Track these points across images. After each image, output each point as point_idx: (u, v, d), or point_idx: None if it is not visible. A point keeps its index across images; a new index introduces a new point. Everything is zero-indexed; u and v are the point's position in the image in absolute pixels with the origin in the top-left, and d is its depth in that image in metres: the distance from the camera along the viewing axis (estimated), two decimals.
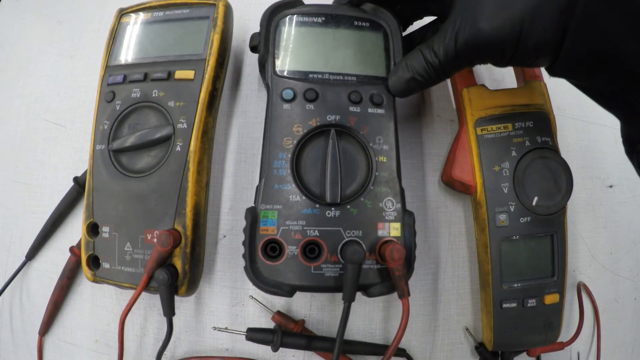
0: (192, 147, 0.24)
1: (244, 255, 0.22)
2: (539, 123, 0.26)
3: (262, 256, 0.21)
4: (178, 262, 0.23)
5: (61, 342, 0.30)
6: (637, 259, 0.27)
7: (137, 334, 0.28)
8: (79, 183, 0.29)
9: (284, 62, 0.24)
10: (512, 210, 0.25)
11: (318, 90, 0.23)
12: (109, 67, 0.27)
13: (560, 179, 0.25)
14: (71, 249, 0.28)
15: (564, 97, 0.28)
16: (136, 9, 0.28)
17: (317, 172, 0.23)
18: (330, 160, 0.22)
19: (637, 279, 0.26)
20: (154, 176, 0.24)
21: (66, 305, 0.30)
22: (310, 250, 0.22)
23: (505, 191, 0.25)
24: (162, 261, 0.23)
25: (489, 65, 0.30)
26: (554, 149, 0.25)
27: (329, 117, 0.23)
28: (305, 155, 0.23)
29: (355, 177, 0.23)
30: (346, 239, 0.22)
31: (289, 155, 0.23)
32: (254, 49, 0.26)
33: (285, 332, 0.24)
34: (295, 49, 0.25)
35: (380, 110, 0.23)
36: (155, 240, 0.23)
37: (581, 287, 0.29)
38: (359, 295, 0.21)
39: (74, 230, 0.30)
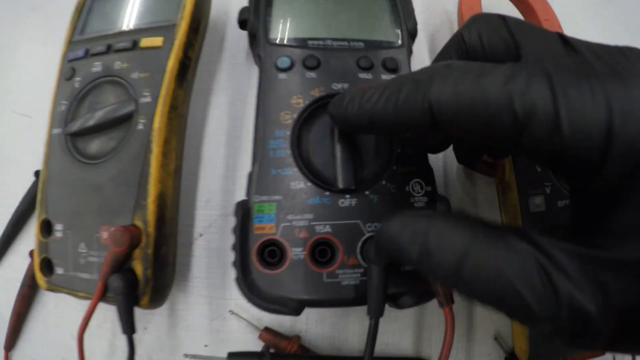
0: (156, 124, 0.20)
1: (234, 264, 0.17)
2: None
3: (257, 263, 0.17)
4: (138, 266, 0.19)
5: (27, 359, 0.26)
6: None
7: (106, 351, 0.24)
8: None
9: (279, 29, 0.21)
10: (548, 192, 0.21)
11: (320, 57, 0.20)
12: (72, 43, 0.24)
13: None
14: (31, 253, 0.25)
15: None
16: None
17: (324, 151, 0.18)
18: (339, 136, 0.18)
19: None
20: (111, 162, 0.20)
21: (30, 317, 0.26)
22: (321, 252, 0.17)
23: (539, 169, 0.21)
24: (118, 265, 0.19)
25: None
26: None
27: (335, 86, 0.19)
28: (310, 132, 0.19)
29: (372, 156, 0.19)
30: (367, 235, 0.17)
31: (289, 133, 0.19)
32: (242, 23, 0.22)
33: (276, 355, 0.19)
34: (291, 14, 0.22)
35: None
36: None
37: None
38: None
39: None
